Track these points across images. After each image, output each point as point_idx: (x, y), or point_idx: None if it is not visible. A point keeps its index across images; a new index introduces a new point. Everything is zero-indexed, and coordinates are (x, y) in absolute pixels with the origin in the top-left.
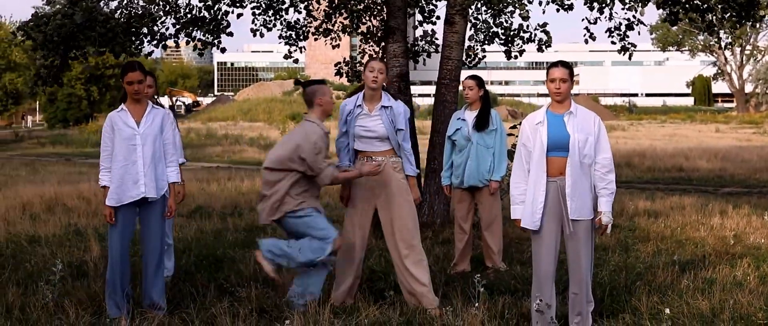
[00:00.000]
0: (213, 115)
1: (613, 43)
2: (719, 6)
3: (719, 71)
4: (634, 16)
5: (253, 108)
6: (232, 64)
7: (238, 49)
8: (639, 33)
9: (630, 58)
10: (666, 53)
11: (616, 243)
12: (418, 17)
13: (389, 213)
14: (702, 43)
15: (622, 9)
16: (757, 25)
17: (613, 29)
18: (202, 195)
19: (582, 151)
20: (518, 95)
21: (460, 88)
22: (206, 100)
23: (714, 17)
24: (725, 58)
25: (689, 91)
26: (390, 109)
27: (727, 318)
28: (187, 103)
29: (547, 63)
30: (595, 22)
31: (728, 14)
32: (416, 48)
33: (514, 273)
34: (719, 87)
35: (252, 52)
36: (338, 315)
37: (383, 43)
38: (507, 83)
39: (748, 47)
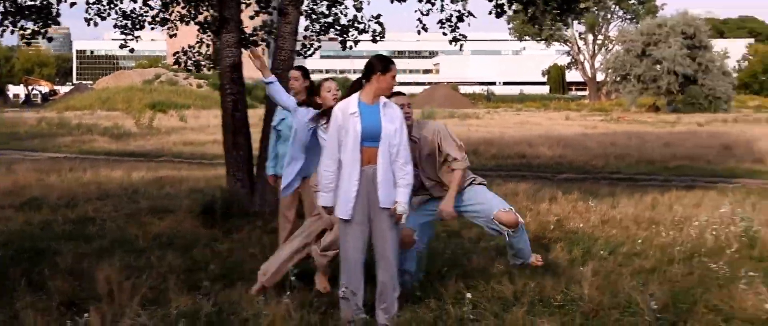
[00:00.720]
0: (70, 103)
1: (444, 34)
2: None
3: (573, 60)
4: (464, 8)
5: (112, 97)
6: (91, 52)
7: (98, 36)
8: (469, 24)
9: (461, 49)
10: (523, 43)
11: (441, 229)
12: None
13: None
14: (556, 32)
15: (452, 1)
16: (579, 19)
17: (444, 21)
18: (39, 186)
19: (392, 141)
20: None
21: None
22: (64, 89)
23: (536, 10)
24: (578, 48)
25: (545, 79)
26: None
27: (526, 300)
28: (43, 92)
29: (408, 52)
30: (427, 14)
31: (550, 6)
32: (254, 38)
33: (337, 261)
34: (573, 75)
35: (112, 39)
36: (146, 307)
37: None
38: None
39: (600, 37)
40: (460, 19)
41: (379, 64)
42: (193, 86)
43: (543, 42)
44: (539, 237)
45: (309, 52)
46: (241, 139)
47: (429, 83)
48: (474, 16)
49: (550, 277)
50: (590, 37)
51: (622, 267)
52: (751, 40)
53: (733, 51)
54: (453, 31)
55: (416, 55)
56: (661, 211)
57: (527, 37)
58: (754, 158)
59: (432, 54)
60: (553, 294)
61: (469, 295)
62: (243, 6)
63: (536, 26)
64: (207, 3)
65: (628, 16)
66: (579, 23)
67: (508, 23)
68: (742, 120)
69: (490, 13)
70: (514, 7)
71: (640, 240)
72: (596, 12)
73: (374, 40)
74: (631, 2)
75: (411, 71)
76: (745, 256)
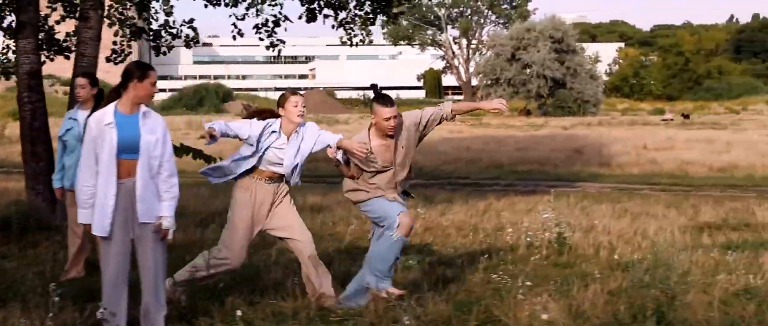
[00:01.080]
0: None
1: (260, 39)
2: (352, 3)
3: (448, 65)
4: (280, 13)
5: None
6: None
7: None
8: (285, 29)
9: (279, 53)
10: (398, 47)
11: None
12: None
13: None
14: (430, 37)
15: (268, 5)
16: (393, 22)
17: (260, 25)
18: None
19: (152, 153)
20: (256, 90)
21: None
22: None
23: (348, 14)
24: (453, 52)
25: (421, 84)
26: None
27: (304, 316)
28: None
29: (285, 57)
30: (243, 18)
31: (363, 11)
32: (66, 43)
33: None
34: (449, 80)
35: None
36: None
37: None
38: (244, 77)
39: (474, 41)
40: (276, 24)
41: (137, 71)
42: (59, 93)
43: (418, 46)
44: (350, 250)
45: (119, 59)
46: (40, 149)
47: (305, 88)
48: (290, 21)
49: (339, 290)
50: (464, 42)
51: (424, 276)
52: (622, 44)
53: (605, 55)
54: (269, 36)
55: (292, 60)
56: (489, 217)
57: (402, 42)
58: (601, 162)
59: (308, 59)
60: (333, 308)
61: (239, 313)
62: (49, 10)
63: (347, 31)
64: (8, 8)
65: (501, 21)
66: (453, 28)
67: (383, 27)
68: (606, 123)
69: (301, 17)
70: (325, 12)
71: (451, 248)
72: (470, 17)
73: (188, 46)
74: (503, 7)
75: (286, 76)
76: (552, 263)
